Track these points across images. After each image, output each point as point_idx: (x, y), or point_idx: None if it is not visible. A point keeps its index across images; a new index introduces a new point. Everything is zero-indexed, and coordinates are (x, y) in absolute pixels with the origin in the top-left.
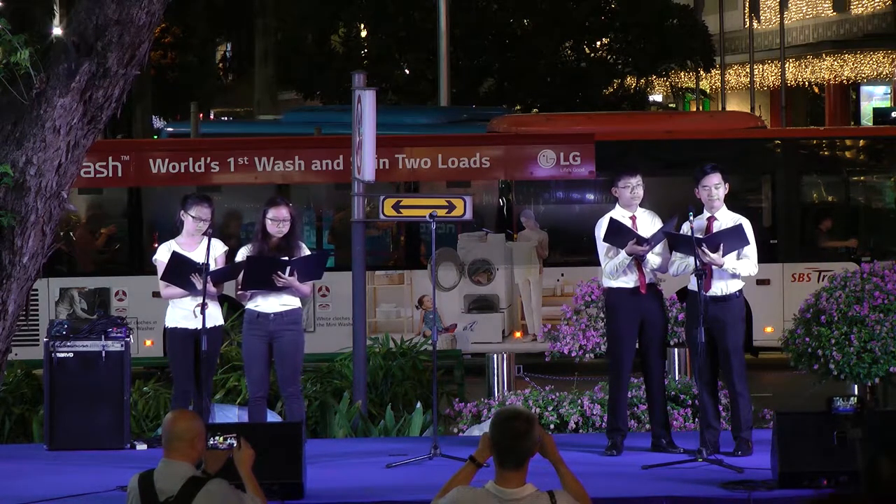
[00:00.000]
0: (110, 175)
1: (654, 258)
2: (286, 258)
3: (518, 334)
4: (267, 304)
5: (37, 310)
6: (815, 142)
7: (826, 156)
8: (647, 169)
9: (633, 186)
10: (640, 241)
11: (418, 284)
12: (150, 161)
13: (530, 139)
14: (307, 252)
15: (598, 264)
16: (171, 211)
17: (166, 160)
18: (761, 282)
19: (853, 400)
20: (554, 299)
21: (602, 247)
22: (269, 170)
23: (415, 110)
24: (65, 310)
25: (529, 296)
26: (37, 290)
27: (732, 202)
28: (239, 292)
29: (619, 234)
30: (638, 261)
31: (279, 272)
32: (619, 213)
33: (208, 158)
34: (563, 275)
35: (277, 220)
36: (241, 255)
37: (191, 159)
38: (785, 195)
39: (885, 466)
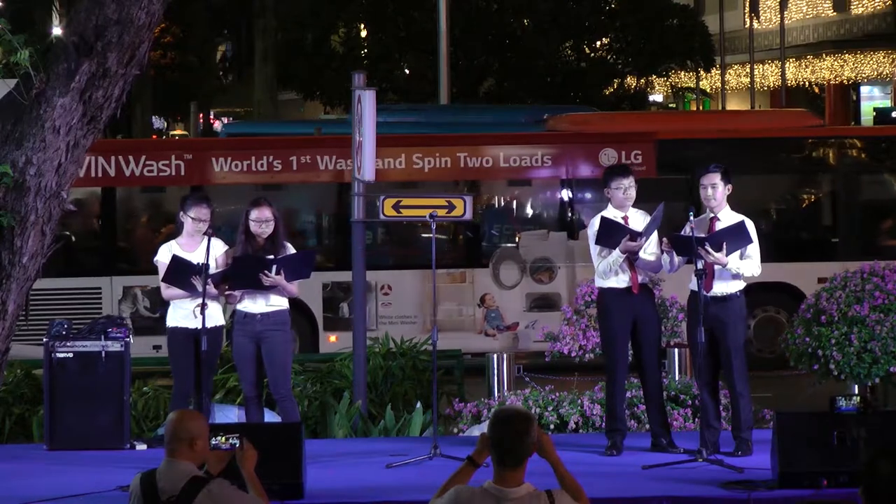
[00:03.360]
0: (173, 174)
1: (646, 256)
2: (272, 257)
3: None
4: (254, 304)
5: (100, 308)
6: (875, 139)
7: (887, 153)
8: (706, 168)
9: (626, 188)
10: (634, 236)
11: (480, 283)
12: (213, 160)
13: (591, 138)
14: (293, 252)
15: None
16: (232, 209)
17: (228, 159)
18: (822, 280)
19: (856, 399)
20: None
21: (594, 247)
22: (330, 168)
23: (482, 110)
24: (128, 308)
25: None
26: (100, 288)
27: (792, 201)
28: (227, 293)
29: (612, 233)
30: (630, 261)
31: (265, 271)
32: (612, 214)
33: (271, 157)
34: None
35: (260, 221)
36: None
37: (253, 158)
38: (845, 193)
39: (883, 465)
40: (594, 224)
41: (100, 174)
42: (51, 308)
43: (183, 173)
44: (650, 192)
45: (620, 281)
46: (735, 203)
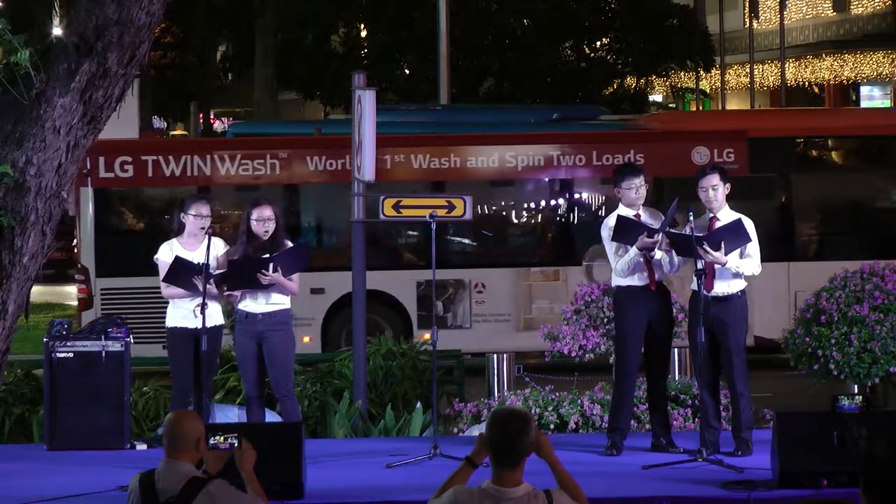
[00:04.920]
0: (268, 172)
1: (662, 255)
2: (267, 255)
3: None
4: (255, 304)
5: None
6: None
7: None
8: (800, 166)
9: (637, 187)
10: (651, 232)
11: (574, 280)
12: (307, 158)
13: (684, 136)
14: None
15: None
16: (323, 208)
17: (323, 157)
18: None
19: (858, 399)
20: None
21: (610, 245)
22: (424, 166)
23: (515, 109)
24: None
25: (685, 291)
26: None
27: (885, 198)
28: (226, 293)
29: (628, 230)
30: (647, 258)
31: (263, 270)
32: (624, 212)
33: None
34: None
35: (262, 220)
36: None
37: (347, 157)
38: None
39: (881, 449)
40: (608, 223)
41: (195, 173)
42: (155, 306)
43: (278, 172)
44: (742, 190)
45: (638, 279)
46: (827, 200)
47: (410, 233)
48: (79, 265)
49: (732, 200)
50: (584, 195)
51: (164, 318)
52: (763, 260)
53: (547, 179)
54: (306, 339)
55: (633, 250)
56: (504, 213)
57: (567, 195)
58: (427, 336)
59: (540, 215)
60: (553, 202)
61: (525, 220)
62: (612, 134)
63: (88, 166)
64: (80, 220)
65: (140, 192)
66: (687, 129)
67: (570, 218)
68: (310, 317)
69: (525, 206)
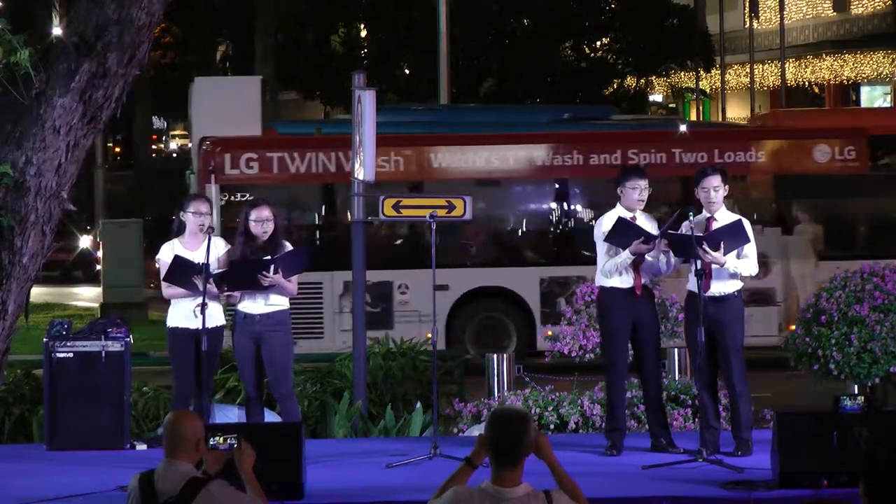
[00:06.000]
0: (391, 169)
1: (661, 256)
2: (269, 257)
3: (793, 327)
4: (254, 304)
5: (321, 303)
6: None
7: None
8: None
9: (642, 188)
10: (648, 238)
11: None
12: (432, 155)
13: (804, 134)
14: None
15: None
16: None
17: (445, 153)
18: None
19: (860, 399)
20: None
21: (602, 245)
22: (547, 164)
23: (527, 109)
24: (349, 303)
25: (805, 290)
26: (321, 283)
27: None
28: (225, 293)
29: (625, 233)
30: (636, 262)
31: (264, 272)
32: (621, 214)
33: (488, 152)
34: (838, 268)
35: (261, 221)
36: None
37: (470, 153)
38: None
39: (882, 451)
40: (603, 222)
41: (321, 171)
42: None
43: (402, 168)
44: (863, 188)
45: (623, 281)
46: None
47: (530, 229)
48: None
49: (852, 198)
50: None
51: (294, 313)
52: (878, 257)
53: (666, 177)
54: (428, 334)
55: (626, 254)
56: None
57: (690, 193)
58: (550, 333)
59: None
60: (679, 200)
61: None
62: (732, 132)
63: (213, 163)
64: None
65: (265, 189)
66: (809, 128)
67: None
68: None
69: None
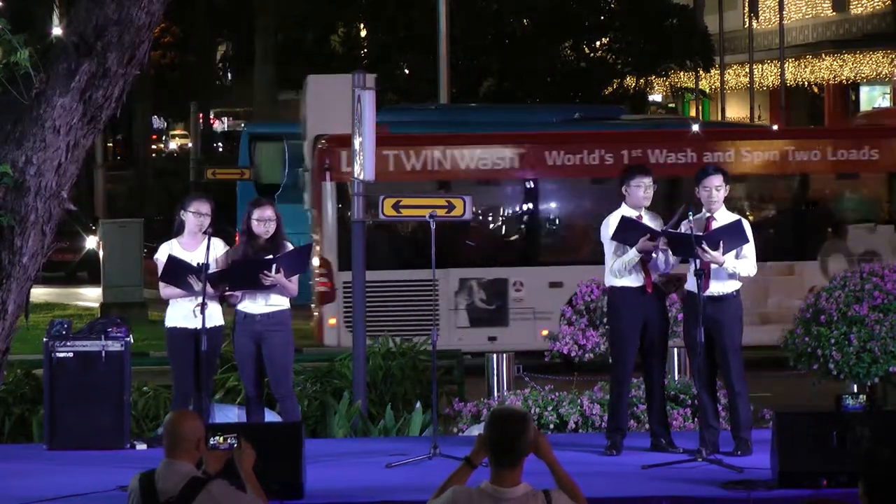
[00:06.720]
0: (506, 166)
1: (660, 255)
2: (270, 256)
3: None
4: (254, 304)
5: (437, 300)
6: None
7: None
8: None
9: (646, 186)
10: (653, 235)
11: (809, 276)
12: (546, 153)
13: None
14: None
15: None
16: (565, 203)
17: (562, 152)
18: None
19: (862, 398)
20: None
21: (609, 245)
22: (666, 162)
23: (537, 109)
24: (464, 300)
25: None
26: (437, 280)
27: None
28: (227, 293)
29: (630, 231)
30: (644, 260)
31: (265, 271)
32: (626, 213)
33: (602, 150)
34: None
35: (263, 220)
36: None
37: (585, 151)
38: None
39: (882, 451)
40: (610, 221)
41: (436, 168)
42: (389, 300)
43: (517, 166)
44: None
45: (634, 280)
46: None
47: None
48: (320, 258)
49: None
50: (818, 191)
51: (408, 310)
52: None
53: (781, 176)
54: (544, 332)
55: (633, 252)
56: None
57: (802, 192)
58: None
59: (775, 211)
60: (787, 199)
61: (762, 216)
62: (845, 130)
63: (328, 161)
64: (321, 214)
65: (381, 186)
66: None
67: (806, 214)
68: (549, 310)
69: (760, 202)
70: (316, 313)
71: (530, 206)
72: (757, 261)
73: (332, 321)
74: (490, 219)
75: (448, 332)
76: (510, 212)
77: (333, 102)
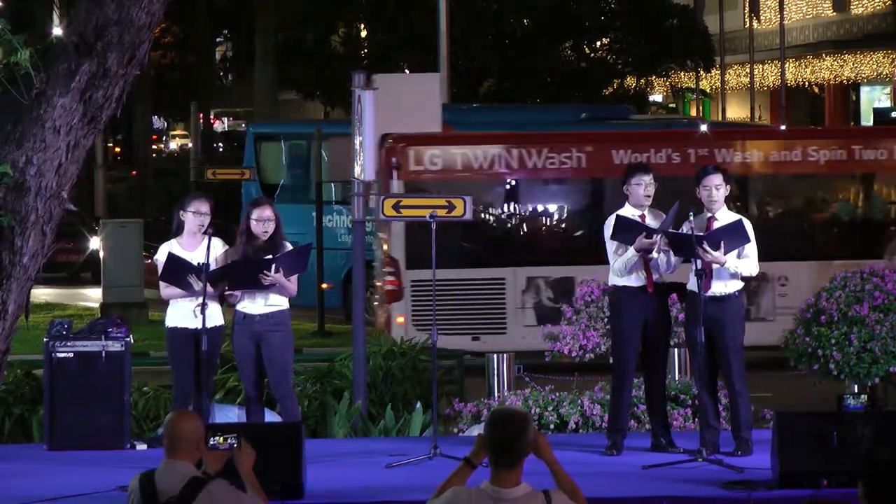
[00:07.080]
0: (574, 165)
1: (661, 256)
2: (270, 256)
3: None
4: (253, 304)
5: (504, 298)
6: None
7: None
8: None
9: (647, 184)
10: (650, 233)
11: None
12: (613, 153)
13: None
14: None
15: None
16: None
17: (629, 151)
18: None
19: (863, 398)
20: None
21: (611, 245)
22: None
23: (543, 109)
24: (531, 298)
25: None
26: (504, 279)
27: None
28: (227, 293)
29: (628, 230)
30: (646, 259)
31: (265, 271)
32: (629, 212)
33: (669, 150)
34: None
35: (262, 220)
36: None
37: (652, 150)
38: None
39: (882, 451)
40: (610, 222)
41: (503, 167)
42: (457, 298)
43: (584, 165)
44: None
45: (636, 279)
46: None
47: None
48: (387, 257)
49: None
50: (888, 188)
51: (476, 309)
52: None
53: (850, 174)
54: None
55: (631, 251)
56: (804, 208)
57: (866, 190)
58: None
59: (841, 210)
60: (855, 197)
61: (828, 214)
62: (871, 129)
63: (395, 159)
64: None
65: (448, 185)
66: None
67: (873, 213)
68: None
69: (824, 200)
70: (382, 311)
71: (598, 204)
72: (822, 260)
73: (400, 319)
74: (557, 218)
75: (515, 331)
76: (577, 210)
77: (400, 101)
